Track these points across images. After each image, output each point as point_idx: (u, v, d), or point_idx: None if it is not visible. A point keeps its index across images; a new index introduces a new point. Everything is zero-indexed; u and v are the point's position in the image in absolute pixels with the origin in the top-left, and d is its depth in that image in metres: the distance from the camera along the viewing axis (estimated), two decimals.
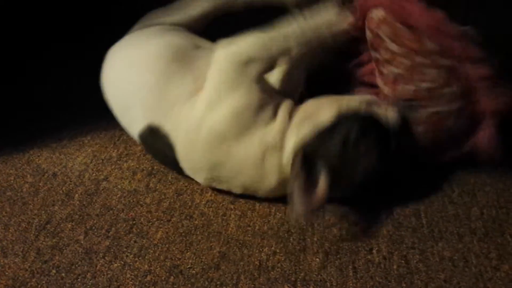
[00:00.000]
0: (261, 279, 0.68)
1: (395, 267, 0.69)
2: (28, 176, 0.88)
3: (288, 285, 0.67)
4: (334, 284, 0.67)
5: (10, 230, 0.77)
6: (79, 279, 0.69)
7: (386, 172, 0.73)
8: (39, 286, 0.68)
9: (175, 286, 0.68)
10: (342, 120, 0.72)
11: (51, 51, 1.19)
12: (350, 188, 0.73)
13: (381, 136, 0.73)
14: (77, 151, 0.93)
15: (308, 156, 0.70)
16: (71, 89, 1.10)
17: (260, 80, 0.75)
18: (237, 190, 0.78)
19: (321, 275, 0.68)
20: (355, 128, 0.71)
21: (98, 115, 0.99)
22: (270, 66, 0.76)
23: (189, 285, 0.68)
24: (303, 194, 0.67)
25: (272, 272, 0.69)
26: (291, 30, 0.75)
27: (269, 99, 0.75)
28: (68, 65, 1.16)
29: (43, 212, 0.80)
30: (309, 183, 0.68)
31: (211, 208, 0.80)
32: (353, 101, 0.74)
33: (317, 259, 0.70)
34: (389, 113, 0.74)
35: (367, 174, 0.72)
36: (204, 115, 0.73)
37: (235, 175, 0.75)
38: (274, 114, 0.75)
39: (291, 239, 0.74)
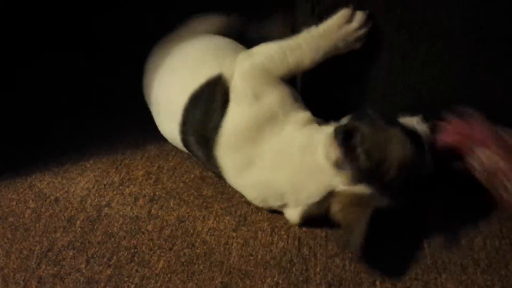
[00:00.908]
0: None
1: None
2: (30, 201, 0.88)
3: None
4: None
5: (12, 258, 0.77)
6: None
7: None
8: None
9: None
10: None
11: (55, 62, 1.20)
12: (387, 182, 0.72)
13: (412, 135, 0.75)
14: (79, 176, 0.93)
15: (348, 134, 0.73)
16: (74, 111, 1.10)
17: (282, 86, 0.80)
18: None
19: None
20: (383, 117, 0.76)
21: (101, 139, 0.99)
22: (284, 75, 0.80)
23: None
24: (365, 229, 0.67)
25: None
26: (302, 38, 0.79)
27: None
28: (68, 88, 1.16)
29: (45, 239, 0.80)
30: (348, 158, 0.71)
31: (213, 236, 0.80)
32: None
33: None
34: (418, 125, 0.78)
35: (401, 165, 0.71)
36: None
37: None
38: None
39: (293, 270, 0.74)
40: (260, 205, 0.81)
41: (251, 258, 0.76)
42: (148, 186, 0.90)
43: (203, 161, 0.87)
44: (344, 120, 0.80)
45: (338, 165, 0.71)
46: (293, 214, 0.78)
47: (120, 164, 0.96)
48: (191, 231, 0.81)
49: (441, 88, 0.85)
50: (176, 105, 0.85)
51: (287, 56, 0.79)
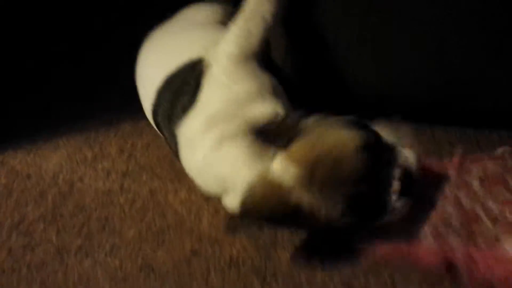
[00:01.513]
0: (231, 273, 0.69)
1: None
2: (2, 177, 0.88)
3: (258, 279, 0.68)
4: (303, 277, 0.68)
5: None
6: (50, 277, 0.69)
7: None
8: (9, 283, 0.68)
9: (146, 283, 0.68)
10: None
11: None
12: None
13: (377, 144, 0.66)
14: (52, 153, 0.93)
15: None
16: (48, 89, 1.10)
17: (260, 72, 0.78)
18: None
19: (290, 269, 0.69)
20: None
21: (75, 117, 1.00)
22: (261, 46, 0.78)
23: (160, 281, 0.68)
24: None
25: (242, 267, 0.70)
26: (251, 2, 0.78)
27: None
28: (43, 67, 1.16)
29: (16, 212, 0.81)
30: None
31: (184, 207, 0.81)
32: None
33: (287, 254, 0.71)
34: (409, 155, 0.67)
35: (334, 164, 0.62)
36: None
37: None
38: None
39: (263, 237, 0.75)
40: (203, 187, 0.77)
41: (221, 226, 0.77)
42: (121, 162, 0.91)
43: (167, 140, 0.86)
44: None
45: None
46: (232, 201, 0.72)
47: (93, 141, 0.96)
48: (163, 202, 0.82)
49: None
50: (152, 86, 0.85)
51: (251, 28, 0.78)
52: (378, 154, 0.64)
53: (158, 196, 0.83)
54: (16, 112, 1.04)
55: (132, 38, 0.90)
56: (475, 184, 0.67)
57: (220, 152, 0.71)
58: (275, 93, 0.78)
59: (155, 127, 0.88)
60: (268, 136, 0.68)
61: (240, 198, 0.66)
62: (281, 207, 0.63)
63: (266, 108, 0.75)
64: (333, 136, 0.65)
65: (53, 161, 0.92)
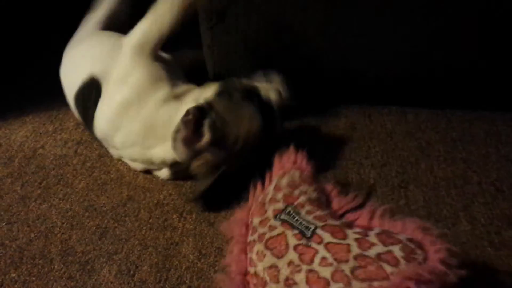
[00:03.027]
0: (157, 211, 0.90)
1: None
2: None
3: (177, 214, 0.89)
4: (212, 215, 0.89)
5: None
6: (14, 216, 0.89)
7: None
8: None
9: (89, 219, 0.88)
10: (230, 89, 0.91)
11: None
12: (233, 152, 0.86)
13: (264, 107, 0.91)
14: (19, 127, 1.13)
15: (199, 113, 0.84)
16: (19, 76, 1.30)
17: (156, 57, 0.95)
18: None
19: (203, 208, 0.89)
20: (240, 92, 0.90)
21: (39, 99, 1.19)
22: (161, 36, 0.94)
23: (100, 217, 0.88)
24: (187, 142, 0.83)
25: (166, 207, 0.91)
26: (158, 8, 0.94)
27: (164, 71, 0.95)
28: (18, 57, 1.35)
29: None
30: (196, 135, 0.83)
31: (125, 166, 1.01)
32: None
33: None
34: (271, 93, 0.93)
35: (247, 139, 0.87)
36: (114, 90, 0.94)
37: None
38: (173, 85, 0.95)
39: (185, 185, 0.95)
40: (139, 169, 0.98)
41: (154, 179, 0.97)
42: (76, 134, 1.11)
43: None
44: (212, 88, 0.94)
45: (186, 142, 0.83)
46: (163, 172, 0.95)
47: (54, 118, 1.16)
48: (108, 163, 1.02)
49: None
50: (71, 101, 1.04)
51: (152, 27, 0.94)
52: (266, 109, 0.89)
53: (105, 159, 1.03)
54: None
55: None
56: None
57: (148, 142, 0.91)
58: (166, 76, 0.95)
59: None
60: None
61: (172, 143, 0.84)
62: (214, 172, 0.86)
63: (163, 93, 0.93)
64: (241, 117, 0.88)
65: (20, 133, 1.11)
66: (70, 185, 0.96)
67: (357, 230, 0.70)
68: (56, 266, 0.79)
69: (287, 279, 0.65)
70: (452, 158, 1.02)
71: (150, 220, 0.87)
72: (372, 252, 0.65)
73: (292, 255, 0.67)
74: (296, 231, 0.70)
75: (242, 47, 1.08)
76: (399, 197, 0.92)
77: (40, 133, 1.10)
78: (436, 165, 1.00)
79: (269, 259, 0.68)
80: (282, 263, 0.67)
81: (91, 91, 0.95)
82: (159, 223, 0.87)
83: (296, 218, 0.72)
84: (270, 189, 0.80)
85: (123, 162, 1.01)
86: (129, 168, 1.00)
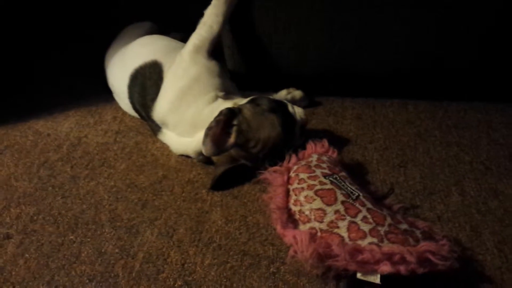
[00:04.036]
0: (188, 187, 1.04)
1: None
2: (30, 136, 1.23)
3: (205, 190, 1.03)
4: (236, 190, 1.03)
5: (19, 167, 1.12)
6: (67, 191, 1.04)
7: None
8: (40, 197, 1.02)
9: (132, 193, 1.03)
10: (263, 100, 1.05)
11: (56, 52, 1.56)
12: (252, 153, 1.00)
13: (287, 120, 1.02)
14: (64, 120, 1.29)
15: (231, 114, 0.98)
16: (61, 77, 1.46)
17: (211, 57, 1.12)
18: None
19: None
20: (268, 104, 1.03)
21: (80, 96, 1.35)
22: (213, 37, 1.13)
23: (141, 192, 1.03)
24: (214, 139, 0.96)
25: (196, 183, 1.05)
26: (207, 15, 1.15)
27: (216, 70, 1.12)
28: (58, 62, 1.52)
29: (42, 156, 1.15)
30: (224, 135, 0.97)
31: (159, 152, 1.16)
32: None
33: None
34: (297, 110, 1.06)
35: (265, 144, 0.99)
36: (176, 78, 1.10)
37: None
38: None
39: (211, 167, 1.10)
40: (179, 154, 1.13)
41: (184, 161, 1.12)
42: (114, 125, 1.26)
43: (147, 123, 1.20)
44: (249, 97, 1.07)
45: (214, 139, 0.96)
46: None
47: (94, 112, 1.31)
48: (144, 149, 1.17)
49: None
50: (124, 86, 1.20)
51: (204, 32, 1.13)
52: (288, 122, 1.02)
53: (141, 145, 1.18)
54: (40, 93, 1.40)
55: None
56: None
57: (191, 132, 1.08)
58: (218, 77, 1.12)
59: (135, 114, 1.23)
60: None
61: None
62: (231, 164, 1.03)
63: (212, 94, 1.09)
64: (263, 126, 1.01)
65: (65, 125, 1.27)
66: (112, 167, 1.11)
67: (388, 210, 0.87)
68: (106, 230, 0.93)
69: (331, 221, 0.81)
70: (447, 142, 1.15)
71: (183, 194, 1.02)
72: (401, 226, 0.81)
73: (339, 206, 0.83)
74: (343, 191, 0.86)
75: (255, 46, 1.23)
76: (399, 175, 1.05)
77: (83, 125, 1.26)
78: (433, 148, 1.13)
79: (318, 203, 0.84)
80: (329, 210, 0.83)
81: (153, 71, 1.12)
82: (191, 196, 1.01)
83: (342, 183, 0.88)
84: (313, 157, 0.96)
85: (157, 147, 1.16)
86: (162, 153, 1.15)
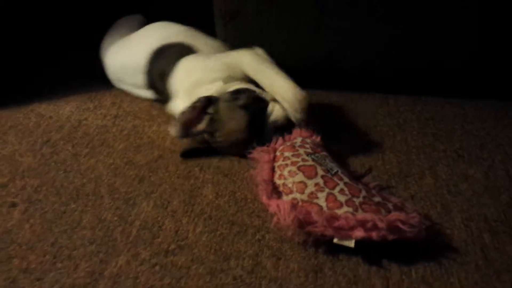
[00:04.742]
0: (182, 166, 1.12)
1: None
2: (32, 117, 1.30)
3: (198, 168, 1.11)
4: (226, 167, 1.11)
5: (23, 145, 1.19)
6: (69, 167, 1.11)
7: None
8: (43, 171, 1.10)
9: (129, 170, 1.10)
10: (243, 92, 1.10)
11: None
12: (218, 142, 1.09)
13: (256, 119, 1.05)
14: (65, 104, 1.36)
15: (207, 102, 1.07)
16: (63, 65, 1.54)
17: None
18: None
19: (217, 163, 1.12)
20: (245, 99, 1.06)
21: (80, 82, 1.43)
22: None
23: (137, 169, 1.11)
24: (185, 124, 1.05)
25: (189, 163, 1.13)
26: None
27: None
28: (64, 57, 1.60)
29: (44, 136, 1.22)
30: (197, 119, 1.07)
31: (155, 134, 1.23)
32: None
33: (215, 158, 1.14)
34: (275, 109, 1.06)
35: (228, 137, 1.07)
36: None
37: None
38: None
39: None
40: None
41: (178, 143, 1.20)
42: (113, 109, 1.34)
43: (160, 91, 1.29)
44: (235, 86, 1.11)
45: (185, 124, 1.05)
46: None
47: (94, 98, 1.39)
48: (141, 132, 1.25)
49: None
50: (139, 63, 1.28)
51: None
52: (257, 121, 1.06)
53: (138, 128, 1.26)
54: (39, 78, 1.47)
55: None
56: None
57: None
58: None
59: (140, 93, 1.32)
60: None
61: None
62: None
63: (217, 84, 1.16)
64: (231, 121, 1.07)
65: (67, 109, 1.34)
66: (111, 146, 1.18)
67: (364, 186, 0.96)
68: (106, 201, 1.01)
69: (311, 193, 0.89)
70: (423, 132, 1.24)
71: (177, 172, 1.10)
72: (375, 199, 0.90)
73: (319, 179, 0.91)
74: (323, 167, 0.94)
75: (251, 41, 1.31)
76: (377, 160, 1.14)
77: (83, 109, 1.33)
78: (410, 137, 1.22)
79: (300, 177, 0.93)
80: (310, 182, 0.91)
81: (180, 50, 1.23)
82: (184, 174, 1.09)
83: (323, 161, 0.97)
84: (298, 139, 1.05)
85: (154, 130, 1.24)
86: (158, 136, 1.22)
